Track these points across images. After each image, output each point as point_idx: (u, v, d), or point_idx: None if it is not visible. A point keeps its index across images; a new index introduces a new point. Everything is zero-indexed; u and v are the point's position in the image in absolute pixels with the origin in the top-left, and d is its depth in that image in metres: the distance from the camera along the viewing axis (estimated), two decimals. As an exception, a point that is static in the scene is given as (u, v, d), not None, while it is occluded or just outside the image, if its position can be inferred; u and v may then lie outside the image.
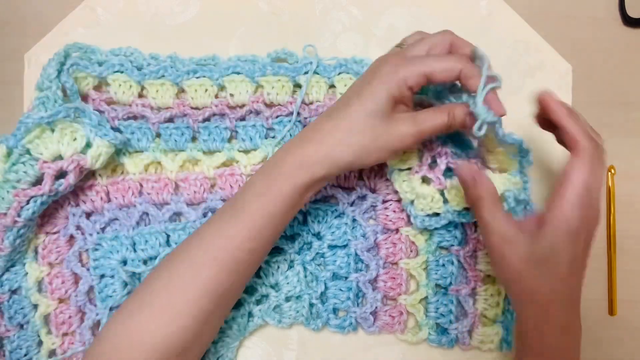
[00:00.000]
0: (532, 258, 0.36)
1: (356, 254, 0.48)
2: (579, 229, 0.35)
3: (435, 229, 0.47)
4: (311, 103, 0.48)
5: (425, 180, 0.45)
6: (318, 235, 0.48)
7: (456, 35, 0.40)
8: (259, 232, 0.39)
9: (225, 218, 0.39)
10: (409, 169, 0.45)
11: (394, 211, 0.48)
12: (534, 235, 0.36)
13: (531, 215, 0.38)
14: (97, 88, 0.47)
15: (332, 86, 0.48)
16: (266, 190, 0.39)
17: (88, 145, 0.43)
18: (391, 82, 0.37)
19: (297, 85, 0.48)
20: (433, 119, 0.39)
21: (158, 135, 0.48)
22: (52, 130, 0.42)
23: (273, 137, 0.48)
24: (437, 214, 0.46)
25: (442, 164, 0.45)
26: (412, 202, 0.45)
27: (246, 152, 0.48)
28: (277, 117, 0.48)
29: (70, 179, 0.42)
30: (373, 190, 0.49)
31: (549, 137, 0.41)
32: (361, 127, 0.38)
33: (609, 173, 0.51)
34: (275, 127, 0.48)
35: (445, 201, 0.45)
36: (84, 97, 0.47)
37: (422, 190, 0.44)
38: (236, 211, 0.39)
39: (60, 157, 0.42)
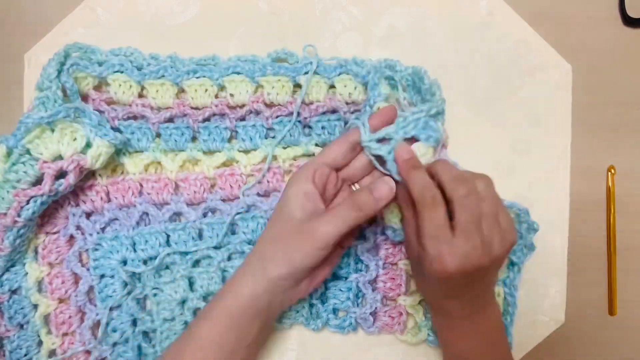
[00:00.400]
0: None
1: (356, 255, 0.48)
2: (440, 274, 0.36)
3: None
4: (311, 103, 0.48)
5: None
6: None
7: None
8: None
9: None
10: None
11: None
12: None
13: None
14: (97, 88, 0.47)
15: (332, 86, 0.48)
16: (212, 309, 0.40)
17: (88, 145, 0.43)
18: (300, 182, 0.40)
19: (297, 85, 0.48)
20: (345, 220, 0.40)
21: (158, 135, 0.48)
22: (52, 130, 0.42)
23: (273, 137, 0.48)
24: None
25: None
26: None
27: (246, 152, 0.48)
28: (277, 117, 0.48)
29: (70, 179, 0.42)
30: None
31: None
32: (285, 236, 0.40)
33: (609, 173, 0.51)
34: (275, 127, 0.48)
35: None
36: (84, 97, 0.47)
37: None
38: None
39: (60, 157, 0.42)
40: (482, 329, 0.41)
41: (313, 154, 0.48)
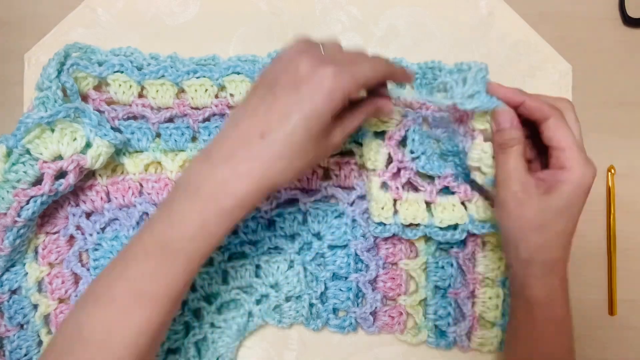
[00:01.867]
0: (548, 213, 0.37)
1: (356, 254, 0.48)
2: (590, 185, 0.37)
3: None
4: None
5: (384, 186, 0.46)
6: (318, 235, 0.48)
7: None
8: (194, 272, 0.36)
9: (153, 261, 0.35)
10: (384, 132, 0.45)
11: None
12: (549, 192, 0.37)
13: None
14: (97, 88, 0.47)
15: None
16: (198, 231, 0.34)
17: (88, 145, 0.43)
18: (336, 100, 0.34)
19: None
20: (358, 119, 0.39)
21: (158, 135, 0.48)
22: (52, 130, 0.42)
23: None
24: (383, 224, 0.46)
25: (404, 177, 0.45)
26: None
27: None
28: None
29: (70, 179, 0.42)
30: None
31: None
32: (303, 151, 0.35)
33: (609, 173, 0.51)
34: None
35: (396, 212, 0.45)
36: (84, 97, 0.47)
37: (378, 195, 0.45)
38: (169, 255, 0.35)
39: (60, 157, 0.42)
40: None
41: None
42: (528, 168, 0.39)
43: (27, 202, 0.42)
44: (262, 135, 0.34)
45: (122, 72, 0.47)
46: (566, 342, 0.40)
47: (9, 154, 0.42)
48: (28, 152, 0.41)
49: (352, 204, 0.48)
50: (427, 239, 0.47)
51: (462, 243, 0.47)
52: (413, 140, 0.45)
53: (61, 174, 0.42)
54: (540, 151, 0.41)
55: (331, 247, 0.48)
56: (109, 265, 0.36)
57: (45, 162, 0.41)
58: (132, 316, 0.34)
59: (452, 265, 0.47)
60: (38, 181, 0.42)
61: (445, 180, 0.45)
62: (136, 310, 0.34)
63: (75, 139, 0.42)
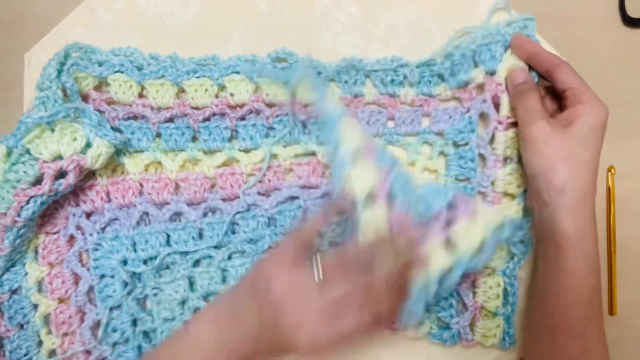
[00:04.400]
0: (573, 143, 0.40)
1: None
2: (606, 121, 0.40)
3: None
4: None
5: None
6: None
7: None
8: None
9: None
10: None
11: None
12: (571, 124, 0.41)
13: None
14: (97, 88, 0.47)
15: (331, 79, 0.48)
16: None
17: (88, 145, 0.43)
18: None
19: None
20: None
21: (158, 135, 0.48)
22: (52, 130, 0.42)
23: (273, 137, 0.48)
24: None
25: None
26: None
27: (246, 151, 0.48)
28: (277, 116, 0.48)
29: (70, 178, 0.42)
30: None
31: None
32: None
33: (609, 173, 0.51)
34: (276, 127, 0.48)
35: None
36: (84, 97, 0.47)
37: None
38: None
39: (60, 157, 0.42)
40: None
41: (313, 153, 0.48)
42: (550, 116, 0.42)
43: (27, 202, 0.42)
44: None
45: (122, 72, 0.47)
46: (595, 281, 0.40)
47: (9, 153, 0.42)
48: (28, 152, 0.41)
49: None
50: None
51: None
52: (395, 193, 0.41)
53: (61, 174, 0.43)
54: (559, 107, 0.45)
55: (332, 244, 0.48)
56: None
57: (45, 162, 0.41)
58: None
59: None
60: (38, 181, 0.42)
61: (442, 216, 0.41)
62: None
63: (75, 139, 0.42)
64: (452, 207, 0.40)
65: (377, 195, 0.39)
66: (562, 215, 0.40)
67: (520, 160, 0.46)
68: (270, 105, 0.48)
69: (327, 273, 0.38)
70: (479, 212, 0.40)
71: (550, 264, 0.41)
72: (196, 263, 0.48)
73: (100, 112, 0.46)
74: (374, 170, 0.40)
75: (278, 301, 0.37)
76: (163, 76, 0.47)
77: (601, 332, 0.40)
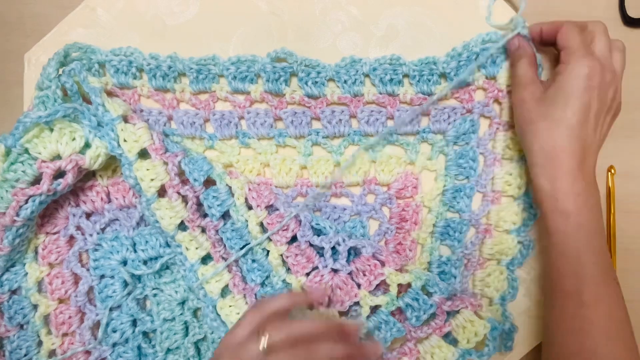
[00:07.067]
0: (547, 102, 0.41)
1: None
2: (590, 75, 0.40)
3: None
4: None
5: None
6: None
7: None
8: None
9: None
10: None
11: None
12: (549, 85, 0.42)
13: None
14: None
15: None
16: None
17: (87, 145, 0.43)
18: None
19: None
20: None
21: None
22: (51, 130, 0.42)
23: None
24: None
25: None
26: None
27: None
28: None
29: (69, 178, 0.42)
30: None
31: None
32: None
33: (609, 173, 0.51)
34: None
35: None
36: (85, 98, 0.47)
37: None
38: None
39: (58, 157, 0.42)
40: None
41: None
42: None
43: (26, 202, 0.42)
44: None
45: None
46: (582, 240, 0.40)
47: (7, 153, 0.42)
48: (27, 151, 0.41)
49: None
50: (431, 235, 0.48)
51: (461, 235, 0.47)
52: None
53: (60, 174, 0.42)
54: None
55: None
56: None
57: (43, 161, 0.41)
58: None
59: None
60: (37, 181, 0.42)
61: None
62: None
63: (74, 139, 0.42)
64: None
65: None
66: (533, 173, 0.41)
67: (520, 160, 0.46)
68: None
69: (275, 347, 0.38)
70: None
71: (542, 226, 0.43)
72: (196, 263, 0.48)
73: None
74: None
75: None
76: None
77: (599, 290, 0.40)
